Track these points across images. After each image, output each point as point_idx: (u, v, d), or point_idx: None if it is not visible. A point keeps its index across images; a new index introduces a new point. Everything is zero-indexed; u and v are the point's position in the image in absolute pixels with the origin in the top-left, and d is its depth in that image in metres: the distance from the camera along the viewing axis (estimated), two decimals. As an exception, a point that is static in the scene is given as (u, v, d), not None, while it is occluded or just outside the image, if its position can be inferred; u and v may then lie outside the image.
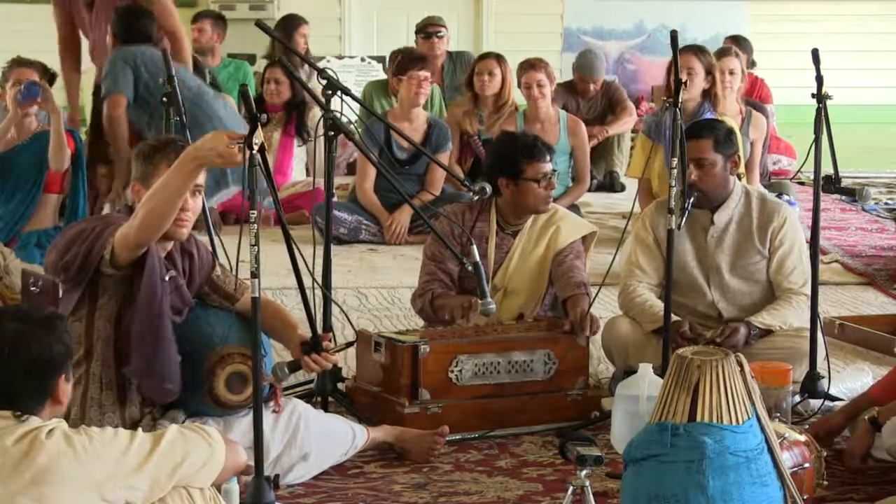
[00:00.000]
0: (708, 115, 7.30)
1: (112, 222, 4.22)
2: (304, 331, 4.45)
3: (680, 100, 4.94)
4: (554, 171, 5.60)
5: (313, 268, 4.64)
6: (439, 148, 8.35)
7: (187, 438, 3.39)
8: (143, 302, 4.20)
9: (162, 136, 4.52)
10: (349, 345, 4.62)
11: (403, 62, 8.64)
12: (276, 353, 4.80)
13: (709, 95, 7.54)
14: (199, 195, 4.33)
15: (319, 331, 4.41)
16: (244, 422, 4.32)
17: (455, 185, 8.55)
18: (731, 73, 8.12)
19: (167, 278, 4.26)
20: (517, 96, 9.18)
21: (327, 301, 5.07)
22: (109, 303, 4.26)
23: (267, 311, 4.43)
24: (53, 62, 8.70)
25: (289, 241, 4.15)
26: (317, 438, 4.45)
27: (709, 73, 7.55)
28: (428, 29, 10.64)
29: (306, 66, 9.60)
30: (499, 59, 9.23)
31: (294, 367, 4.39)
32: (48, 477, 3.16)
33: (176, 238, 4.33)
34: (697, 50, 7.57)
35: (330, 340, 4.45)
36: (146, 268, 4.18)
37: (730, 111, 7.95)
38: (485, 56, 9.34)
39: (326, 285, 5.04)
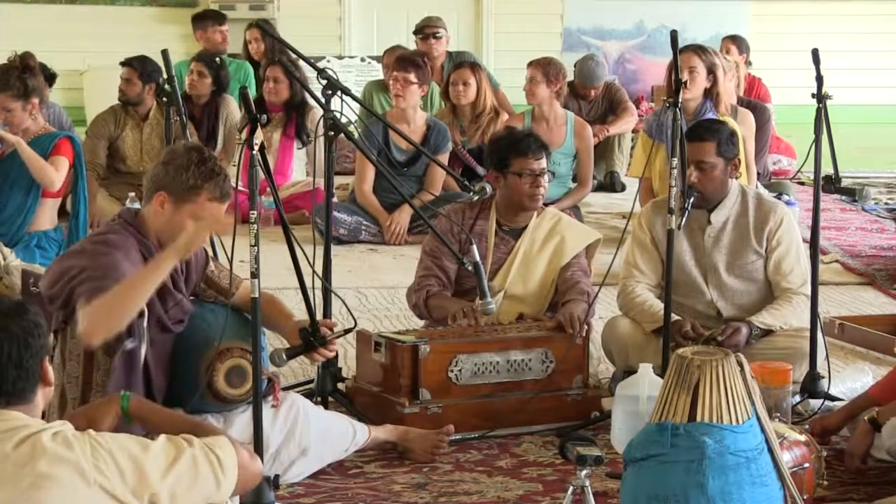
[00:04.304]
0: (709, 115, 7.30)
1: (99, 268, 4.15)
2: (300, 319, 4.46)
3: (680, 99, 4.95)
4: (546, 170, 5.57)
5: (314, 261, 4.64)
6: (438, 149, 8.33)
7: (198, 469, 3.24)
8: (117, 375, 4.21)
9: (194, 146, 4.46)
10: (347, 331, 4.61)
11: (390, 62, 8.69)
12: (272, 345, 4.80)
13: (710, 94, 7.54)
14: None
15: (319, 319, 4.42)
16: (243, 417, 4.32)
17: (450, 187, 8.54)
18: None
19: (130, 347, 4.22)
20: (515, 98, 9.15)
21: (327, 295, 5.06)
22: None
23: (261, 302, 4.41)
24: (53, 62, 8.73)
25: (287, 232, 4.16)
26: (316, 432, 4.45)
27: (710, 72, 7.54)
28: (425, 30, 10.65)
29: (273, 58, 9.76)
30: (473, 67, 9.20)
31: (292, 353, 4.39)
32: (46, 483, 3.10)
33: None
34: (699, 49, 7.57)
35: (330, 328, 4.44)
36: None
37: (714, 110, 7.96)
38: (459, 66, 9.29)
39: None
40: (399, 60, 8.64)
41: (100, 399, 3.66)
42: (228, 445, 3.33)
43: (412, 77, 8.33)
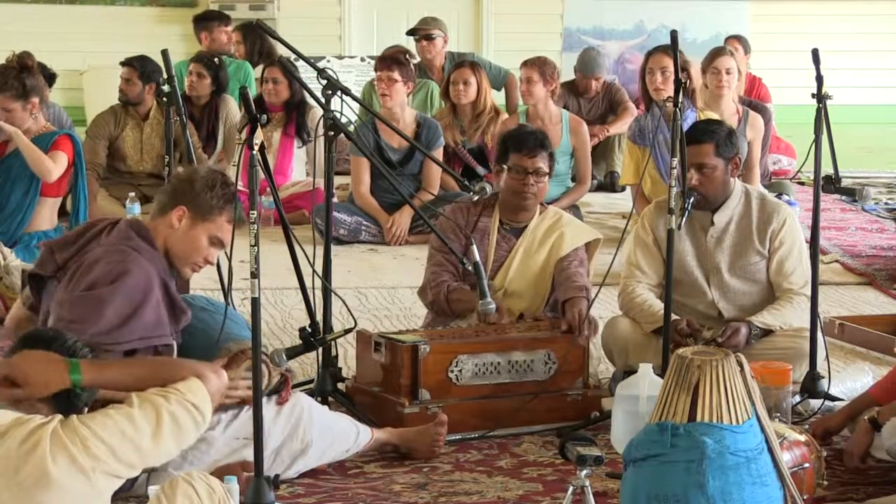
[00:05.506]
0: (689, 113, 7.27)
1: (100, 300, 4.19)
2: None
3: (680, 100, 4.95)
4: (540, 170, 5.56)
5: (314, 261, 4.64)
6: (430, 145, 8.31)
7: (179, 423, 3.49)
8: None
9: (210, 169, 4.55)
10: (347, 331, 4.63)
11: (377, 62, 8.75)
12: (271, 345, 4.80)
13: (686, 93, 7.52)
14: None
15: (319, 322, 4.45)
16: (244, 414, 4.32)
17: (450, 186, 8.53)
18: (728, 72, 8.09)
19: None
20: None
21: (327, 295, 5.06)
22: None
23: None
24: (53, 62, 8.73)
25: (287, 232, 4.16)
26: (319, 430, 4.43)
27: (683, 69, 7.53)
28: (419, 32, 10.66)
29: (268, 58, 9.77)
30: (473, 67, 9.22)
31: (292, 353, 4.41)
32: (48, 481, 3.25)
33: (182, 276, 4.45)
34: (669, 49, 7.54)
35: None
36: None
37: (726, 111, 7.94)
38: (459, 65, 9.30)
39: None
40: (382, 59, 8.68)
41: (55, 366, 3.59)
42: (198, 386, 3.58)
43: (395, 75, 8.34)
